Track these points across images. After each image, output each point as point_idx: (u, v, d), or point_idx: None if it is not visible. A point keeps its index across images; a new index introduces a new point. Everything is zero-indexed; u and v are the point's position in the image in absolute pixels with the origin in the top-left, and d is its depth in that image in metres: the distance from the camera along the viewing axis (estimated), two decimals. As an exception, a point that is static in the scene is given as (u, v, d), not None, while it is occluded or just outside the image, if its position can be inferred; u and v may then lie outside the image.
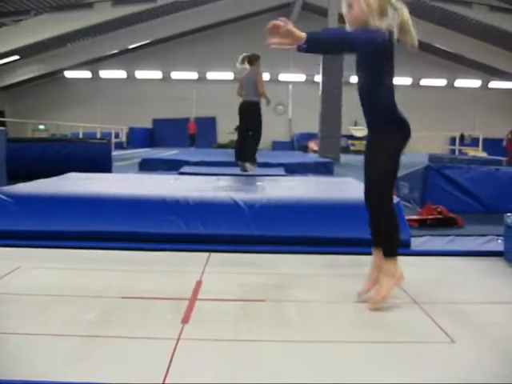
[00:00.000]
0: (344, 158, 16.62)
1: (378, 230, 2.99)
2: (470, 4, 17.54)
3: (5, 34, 21.84)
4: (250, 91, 8.81)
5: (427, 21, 23.65)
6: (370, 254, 4.05)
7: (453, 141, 23.52)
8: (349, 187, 5.70)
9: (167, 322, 2.59)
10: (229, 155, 13.84)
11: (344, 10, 2.87)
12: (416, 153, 23.31)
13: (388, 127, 2.89)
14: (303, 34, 2.53)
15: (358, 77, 2.96)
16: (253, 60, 8.85)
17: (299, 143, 25.38)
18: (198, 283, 3.26)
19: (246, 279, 3.41)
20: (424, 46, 27.33)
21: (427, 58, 28.91)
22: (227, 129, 27.17)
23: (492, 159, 17.41)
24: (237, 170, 8.99)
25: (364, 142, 13.79)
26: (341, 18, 16.00)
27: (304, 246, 4.20)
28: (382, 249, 2.98)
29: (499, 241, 4.51)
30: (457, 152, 22.61)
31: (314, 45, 2.59)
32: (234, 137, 26.97)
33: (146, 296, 2.98)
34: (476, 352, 2.35)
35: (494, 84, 29.97)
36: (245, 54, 8.96)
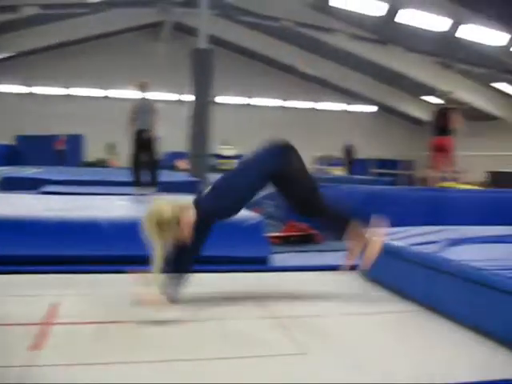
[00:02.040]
0: (212, 176, 16.66)
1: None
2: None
3: None
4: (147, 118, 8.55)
5: (294, 45, 24.60)
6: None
7: (319, 161, 24.46)
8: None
9: (18, 349, 2.48)
10: (97, 174, 13.49)
11: None
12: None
13: None
14: None
15: None
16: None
17: (167, 162, 25.29)
18: (54, 307, 3.15)
19: (104, 300, 3.35)
20: (289, 69, 28.40)
21: (293, 80, 30.03)
22: (96, 146, 26.48)
23: (353, 178, 18.36)
24: (103, 189, 8.74)
25: (231, 161, 14.00)
26: (211, 39, 16.25)
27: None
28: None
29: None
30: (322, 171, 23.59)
31: None
32: (103, 155, 25.97)
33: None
34: (326, 362, 2.48)
35: (353, 107, 31.80)
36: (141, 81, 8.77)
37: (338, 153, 23.54)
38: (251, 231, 4.45)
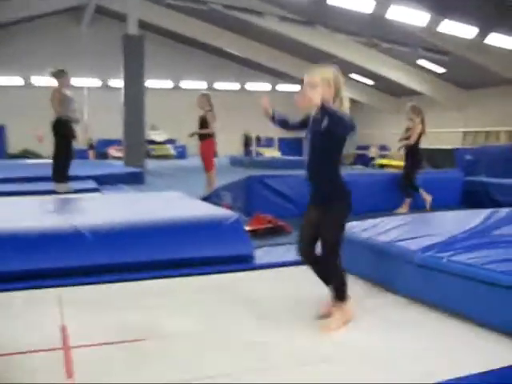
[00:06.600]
0: (148, 164, 16.28)
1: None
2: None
3: None
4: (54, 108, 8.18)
5: (222, 27, 24.34)
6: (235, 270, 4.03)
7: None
8: (186, 203, 5.69)
9: (51, 380, 2.34)
10: (28, 168, 12.19)
11: None
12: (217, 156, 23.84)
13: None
14: None
15: None
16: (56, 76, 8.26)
17: (98, 149, 24.62)
18: (63, 328, 2.93)
19: (114, 317, 3.14)
20: (217, 52, 28.19)
21: (220, 62, 29.81)
22: (21, 138, 25.27)
23: (288, 160, 18.56)
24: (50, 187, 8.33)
25: (164, 146, 13.44)
26: (140, 24, 15.84)
27: (168, 269, 4.06)
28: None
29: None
30: (254, 153, 23.51)
31: None
32: (28, 145, 24.81)
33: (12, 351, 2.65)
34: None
35: (281, 87, 31.84)
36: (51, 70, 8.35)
37: (271, 133, 23.63)
38: (233, 229, 4.40)
